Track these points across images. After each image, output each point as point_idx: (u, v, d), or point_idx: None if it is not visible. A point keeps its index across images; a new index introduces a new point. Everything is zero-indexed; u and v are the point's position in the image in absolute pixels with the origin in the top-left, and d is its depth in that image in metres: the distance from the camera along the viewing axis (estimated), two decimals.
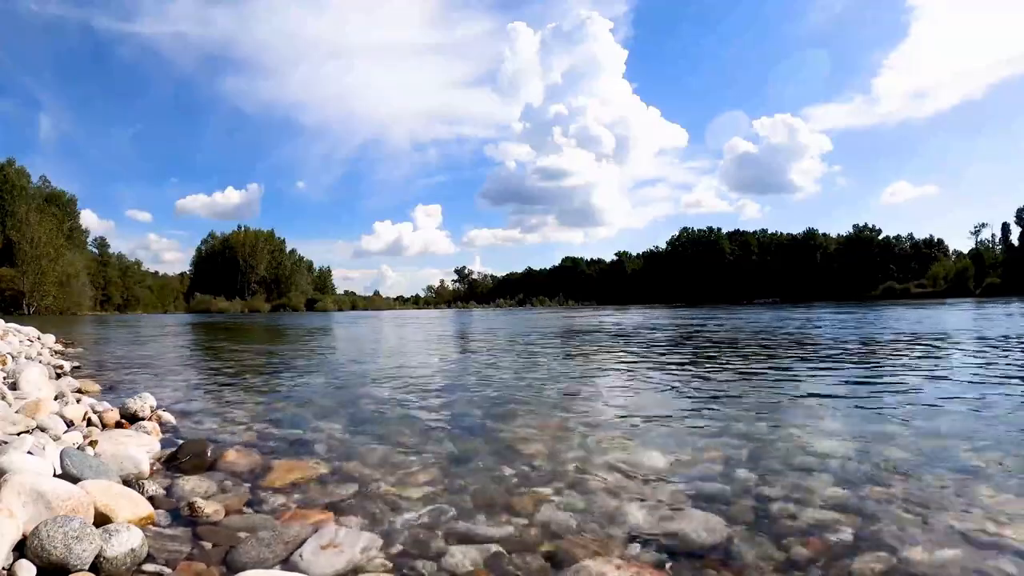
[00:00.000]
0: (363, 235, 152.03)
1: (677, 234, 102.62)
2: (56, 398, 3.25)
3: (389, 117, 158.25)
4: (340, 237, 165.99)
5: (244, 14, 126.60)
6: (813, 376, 5.10)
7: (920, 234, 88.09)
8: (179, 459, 2.44)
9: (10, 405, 2.96)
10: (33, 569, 1.36)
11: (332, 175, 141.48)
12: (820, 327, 12.54)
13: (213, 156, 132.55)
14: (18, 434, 2.34)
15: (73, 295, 56.78)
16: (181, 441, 2.75)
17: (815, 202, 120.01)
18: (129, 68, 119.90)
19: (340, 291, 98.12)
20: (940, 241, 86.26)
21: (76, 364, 6.50)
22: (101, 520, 1.64)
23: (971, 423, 3.06)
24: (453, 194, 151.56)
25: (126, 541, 1.50)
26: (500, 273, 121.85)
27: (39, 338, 9.33)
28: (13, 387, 3.51)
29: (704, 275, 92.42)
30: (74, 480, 1.84)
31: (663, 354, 7.60)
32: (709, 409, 3.59)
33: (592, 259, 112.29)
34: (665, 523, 1.78)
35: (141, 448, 2.43)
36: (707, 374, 5.44)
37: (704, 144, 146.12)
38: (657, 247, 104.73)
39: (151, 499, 1.95)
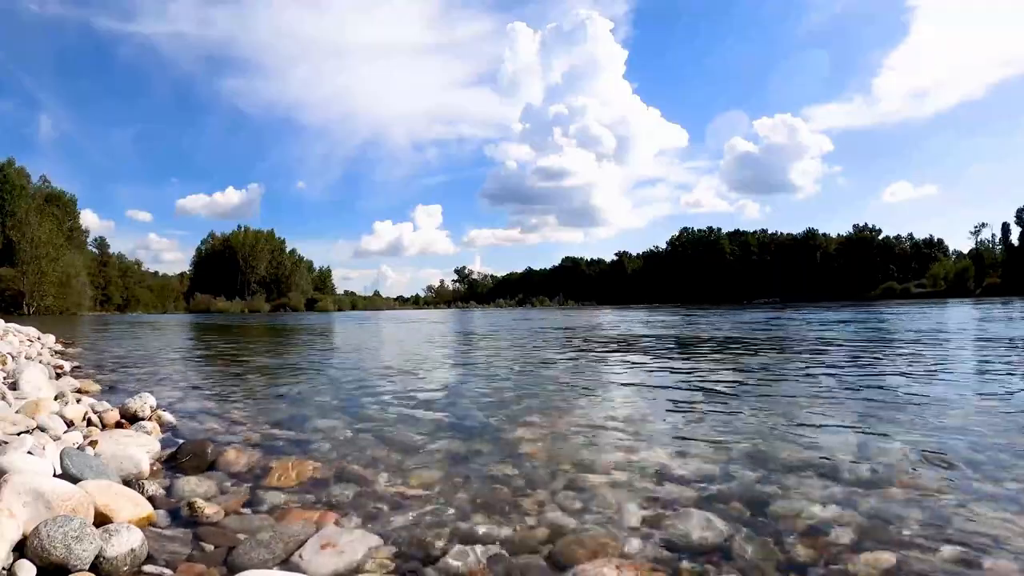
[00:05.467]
0: (363, 235, 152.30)
1: (677, 234, 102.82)
2: (56, 398, 3.25)
3: (389, 117, 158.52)
4: (340, 237, 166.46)
5: (244, 14, 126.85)
6: (813, 376, 5.10)
7: (920, 234, 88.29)
8: (179, 459, 2.44)
9: (10, 405, 2.96)
10: (33, 569, 1.36)
11: (332, 175, 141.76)
12: (820, 327, 12.53)
13: (213, 156, 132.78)
14: (18, 434, 2.34)
15: (73, 295, 56.67)
16: (181, 441, 2.75)
17: (815, 202, 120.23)
18: (129, 68, 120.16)
19: (340, 291, 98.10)
20: (940, 241, 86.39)
21: (76, 364, 6.50)
22: (101, 520, 1.64)
23: (972, 422, 3.06)
24: (453, 194, 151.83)
25: (126, 541, 1.50)
26: (500, 273, 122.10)
27: (39, 338, 9.33)
28: (13, 387, 3.51)
29: (704, 275, 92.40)
30: (74, 480, 1.84)
31: (663, 354, 7.60)
32: (709, 409, 3.58)
33: (592, 259, 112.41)
34: (665, 523, 1.78)
35: (141, 448, 2.43)
36: (707, 374, 5.44)
37: (704, 144, 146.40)
38: (657, 247, 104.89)
39: (151, 499, 1.95)
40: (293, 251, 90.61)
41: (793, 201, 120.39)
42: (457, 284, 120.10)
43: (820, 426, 3.10)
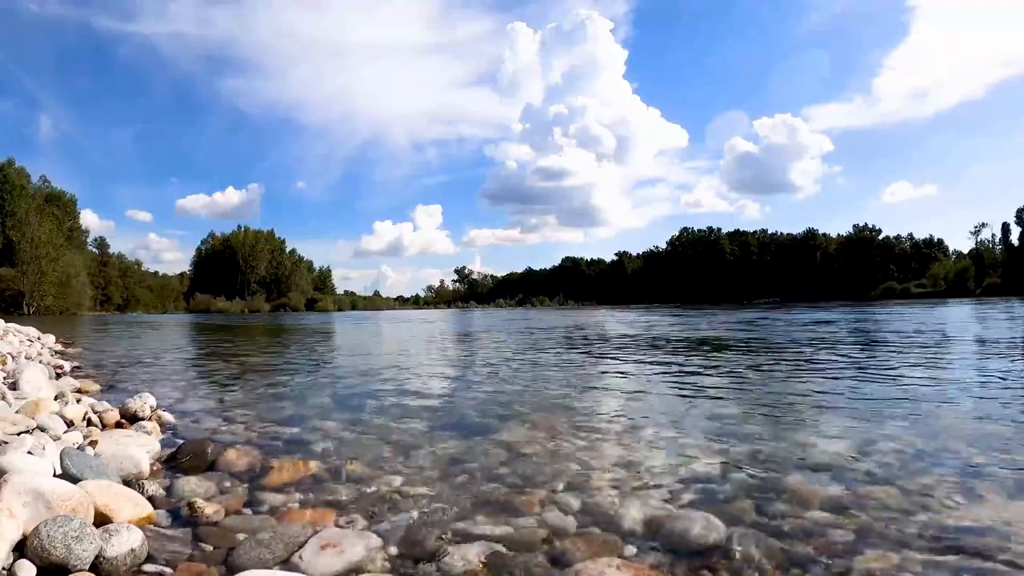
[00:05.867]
0: (363, 235, 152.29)
1: (677, 234, 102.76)
2: (56, 398, 3.25)
3: (389, 117, 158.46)
4: (340, 237, 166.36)
5: (244, 14, 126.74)
6: (813, 376, 5.10)
7: (920, 234, 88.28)
8: (179, 459, 2.44)
9: (10, 405, 2.96)
10: (33, 569, 1.36)
11: (332, 175, 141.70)
12: (820, 327, 12.53)
13: (213, 156, 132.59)
14: (18, 434, 2.34)
15: (73, 295, 56.64)
16: (181, 441, 2.75)
17: (815, 202, 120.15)
18: (129, 68, 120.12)
19: (340, 291, 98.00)
20: (940, 241, 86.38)
21: (76, 364, 6.50)
22: (101, 520, 1.64)
23: (971, 422, 3.06)
24: (453, 194, 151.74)
25: (126, 541, 1.50)
26: (500, 273, 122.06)
27: (39, 338, 9.33)
28: (13, 387, 3.51)
29: (704, 275, 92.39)
30: (74, 480, 1.84)
31: (663, 355, 7.60)
32: (709, 409, 3.58)
33: (592, 259, 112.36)
34: (665, 523, 1.78)
35: (141, 448, 2.43)
36: (707, 374, 5.44)
37: (704, 144, 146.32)
38: (657, 247, 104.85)
39: (151, 499, 1.95)
40: (293, 251, 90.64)
41: (793, 201, 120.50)
42: (457, 284, 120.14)
43: (818, 426, 3.10)
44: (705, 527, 1.73)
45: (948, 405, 3.57)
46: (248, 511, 1.94)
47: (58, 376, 5.11)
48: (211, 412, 3.68)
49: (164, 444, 2.71)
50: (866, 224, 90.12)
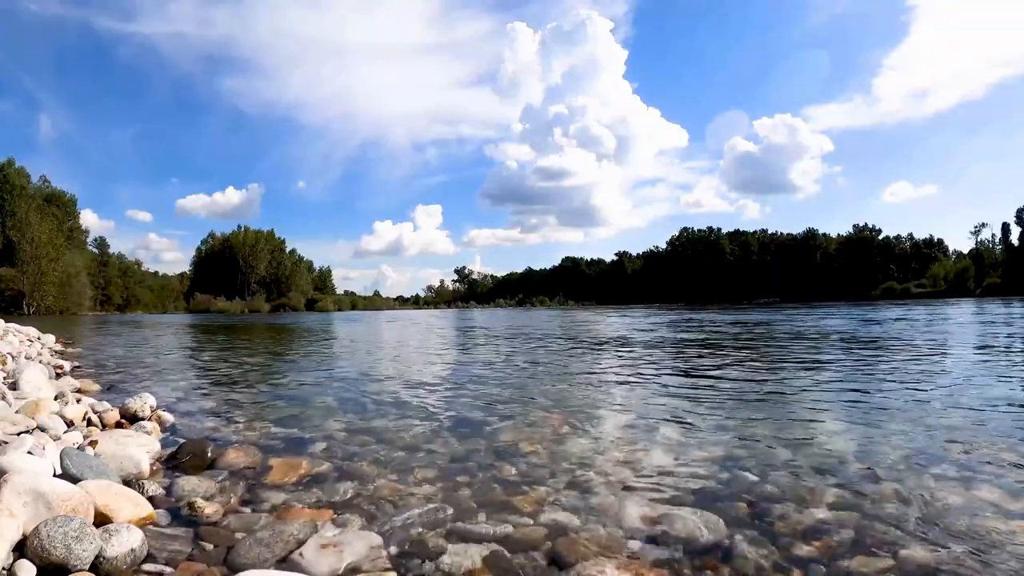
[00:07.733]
0: (363, 235, 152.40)
1: (677, 234, 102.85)
2: (56, 398, 3.24)
3: (389, 117, 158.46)
4: (340, 237, 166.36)
5: (244, 14, 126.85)
6: (813, 376, 5.10)
7: (920, 234, 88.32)
8: (179, 458, 2.44)
9: (10, 405, 2.96)
10: (33, 569, 1.36)
11: (332, 175, 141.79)
12: (820, 327, 12.53)
13: (213, 156, 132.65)
14: (18, 434, 2.34)
15: (73, 295, 56.65)
16: (181, 441, 2.75)
17: (815, 202, 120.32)
18: (129, 68, 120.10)
19: (340, 291, 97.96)
20: (940, 241, 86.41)
21: (76, 364, 6.50)
22: (101, 520, 1.64)
23: (971, 422, 3.06)
24: (453, 194, 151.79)
25: (126, 541, 1.50)
26: (500, 273, 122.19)
27: (39, 338, 9.33)
28: (13, 387, 3.51)
29: (704, 275, 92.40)
30: (74, 480, 1.84)
31: (663, 355, 7.60)
32: (709, 409, 3.58)
33: (592, 259, 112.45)
34: (665, 523, 1.78)
35: (141, 448, 2.43)
36: (707, 374, 5.44)
37: (704, 144, 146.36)
38: (657, 247, 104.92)
39: (151, 499, 1.95)
40: (293, 251, 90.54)
41: (793, 201, 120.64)
42: (457, 284, 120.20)
43: (818, 427, 3.10)
44: (705, 527, 1.73)
45: (948, 404, 3.56)
46: (248, 510, 1.94)
47: (58, 376, 5.11)
48: (211, 412, 3.69)
49: (164, 444, 2.71)
50: (866, 224, 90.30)
